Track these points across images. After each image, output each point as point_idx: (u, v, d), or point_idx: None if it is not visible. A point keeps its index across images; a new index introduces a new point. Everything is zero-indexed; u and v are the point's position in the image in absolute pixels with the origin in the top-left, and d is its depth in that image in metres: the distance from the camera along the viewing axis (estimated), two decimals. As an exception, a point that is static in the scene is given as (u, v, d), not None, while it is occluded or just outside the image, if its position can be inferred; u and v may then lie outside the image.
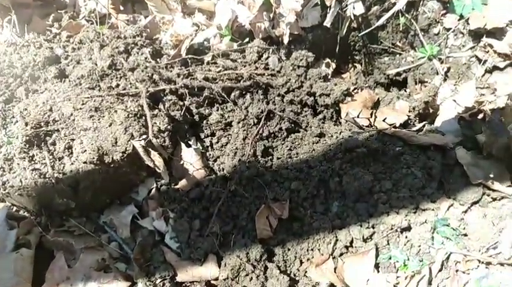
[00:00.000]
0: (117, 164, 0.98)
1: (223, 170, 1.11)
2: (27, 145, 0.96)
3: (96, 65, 1.11)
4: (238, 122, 1.12)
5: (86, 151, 0.94)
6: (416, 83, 1.34)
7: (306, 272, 0.98)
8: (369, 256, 0.95)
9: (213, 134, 1.15)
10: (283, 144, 1.13)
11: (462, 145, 1.06)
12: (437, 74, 1.31)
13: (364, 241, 0.97)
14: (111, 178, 1.01)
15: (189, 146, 1.11)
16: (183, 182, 1.09)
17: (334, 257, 0.98)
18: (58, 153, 0.97)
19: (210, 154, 1.14)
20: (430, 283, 0.91)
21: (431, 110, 1.21)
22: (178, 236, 1.01)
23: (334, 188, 1.03)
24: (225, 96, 1.10)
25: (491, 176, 0.97)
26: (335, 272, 0.96)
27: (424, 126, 1.16)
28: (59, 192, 0.97)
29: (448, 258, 0.92)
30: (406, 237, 0.95)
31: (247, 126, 1.12)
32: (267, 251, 0.99)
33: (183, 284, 0.99)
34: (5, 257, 0.90)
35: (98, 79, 1.08)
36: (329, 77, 1.22)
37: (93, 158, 0.94)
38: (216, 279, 0.97)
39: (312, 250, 0.99)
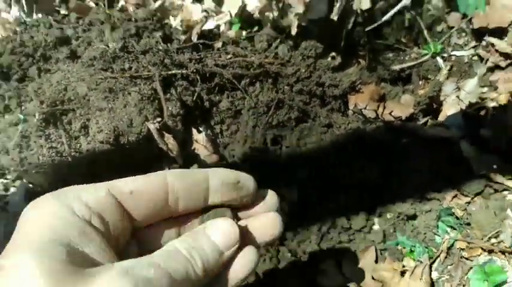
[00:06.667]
0: (132, 145, 0.99)
1: (233, 157, 1.13)
2: (43, 123, 0.96)
3: (108, 46, 1.11)
4: (248, 110, 1.14)
5: (102, 130, 0.95)
6: (420, 79, 1.37)
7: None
8: (369, 252, 0.98)
9: (222, 122, 1.16)
10: (291, 133, 1.15)
11: (465, 138, 1.09)
12: (441, 71, 1.35)
13: (371, 228, 1.00)
14: (125, 160, 1.01)
15: (200, 132, 1.12)
16: (194, 167, 1.10)
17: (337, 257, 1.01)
18: (74, 132, 0.97)
19: (220, 141, 1.16)
20: (435, 269, 0.95)
21: (434, 106, 1.25)
22: (189, 220, 1.02)
23: (342, 179, 1.06)
24: (236, 83, 1.11)
25: (494, 168, 1.01)
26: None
27: (428, 121, 1.19)
28: (74, 171, 0.97)
29: (452, 245, 0.95)
30: (412, 225, 0.99)
31: (257, 115, 1.13)
32: (277, 236, 1.01)
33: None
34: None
35: (111, 61, 1.08)
36: (336, 69, 1.24)
37: (110, 138, 0.94)
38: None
39: (321, 236, 1.02)
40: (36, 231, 0.33)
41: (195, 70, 1.11)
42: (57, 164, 0.94)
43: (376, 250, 0.97)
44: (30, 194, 0.98)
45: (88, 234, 0.35)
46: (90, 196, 0.39)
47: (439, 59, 1.37)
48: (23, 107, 1.01)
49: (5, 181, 1.04)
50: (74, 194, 0.38)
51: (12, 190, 1.04)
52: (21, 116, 0.98)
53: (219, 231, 0.42)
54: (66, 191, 0.39)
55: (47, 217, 0.35)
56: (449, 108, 1.19)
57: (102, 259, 0.34)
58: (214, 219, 0.44)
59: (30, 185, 1.00)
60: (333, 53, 1.43)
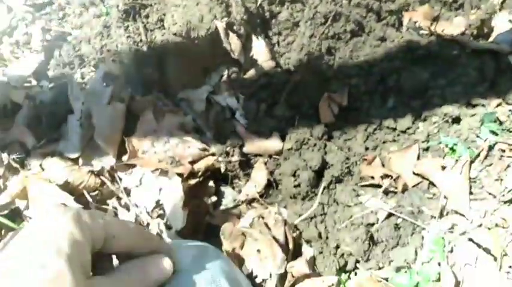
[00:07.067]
0: (201, 41, 1.09)
1: (288, 64, 1.21)
2: (124, 15, 1.07)
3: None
4: (306, 21, 1.21)
5: (176, 23, 1.05)
6: (472, 8, 1.39)
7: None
8: (413, 149, 1.05)
9: (279, 33, 1.25)
10: (346, 46, 1.22)
11: (515, 54, 1.13)
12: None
13: (415, 130, 1.07)
14: (192, 58, 1.12)
15: (259, 39, 1.21)
16: (251, 72, 1.20)
17: (380, 154, 1.09)
18: (150, 25, 1.08)
19: (276, 50, 1.24)
20: (475, 169, 1.01)
21: (485, 30, 1.28)
22: (246, 114, 1.13)
23: (392, 85, 1.13)
24: (297, -7, 1.19)
25: (542, 79, 1.05)
26: (383, 166, 1.07)
27: (478, 41, 1.23)
28: (147, 61, 1.08)
29: (493, 147, 1.01)
30: (456, 127, 1.05)
31: (314, 26, 1.20)
32: (327, 133, 1.10)
33: (248, 155, 1.11)
34: (102, 108, 1.03)
35: (184, -33, 1.17)
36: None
37: (183, 30, 1.04)
38: (278, 154, 1.09)
39: (367, 135, 1.10)
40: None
41: (259, -22, 1.18)
42: (133, 53, 1.06)
43: (419, 148, 1.05)
44: (107, 79, 1.09)
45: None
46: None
47: (494, -11, 1.39)
48: (105, 2, 1.12)
49: (83, 69, 1.17)
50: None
51: (87, 77, 1.16)
52: (104, 9, 1.09)
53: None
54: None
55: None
56: (501, 29, 1.22)
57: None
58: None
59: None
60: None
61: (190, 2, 1.08)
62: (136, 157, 1.01)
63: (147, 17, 1.08)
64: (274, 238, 0.91)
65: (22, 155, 1.01)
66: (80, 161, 1.02)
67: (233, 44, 1.11)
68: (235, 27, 1.12)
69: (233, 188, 1.11)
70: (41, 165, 1.02)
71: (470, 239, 0.90)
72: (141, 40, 1.05)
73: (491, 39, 1.25)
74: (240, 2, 1.16)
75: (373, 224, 0.94)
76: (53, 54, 1.15)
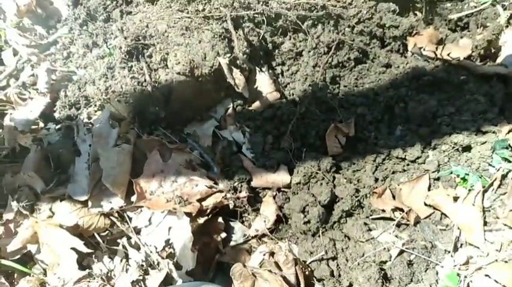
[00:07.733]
0: (204, 78, 1.09)
1: (293, 95, 1.20)
2: (127, 56, 1.07)
3: (183, -9, 1.21)
4: (309, 51, 1.21)
5: (179, 62, 1.05)
6: (478, 27, 1.38)
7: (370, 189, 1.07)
8: (423, 180, 1.03)
9: (283, 63, 1.24)
10: (350, 73, 1.21)
11: (524, 77, 1.11)
12: (501, 16, 1.35)
13: (425, 159, 1.06)
14: (197, 93, 1.12)
15: (262, 71, 1.21)
16: (256, 104, 1.19)
17: (390, 185, 1.07)
18: (154, 65, 1.08)
19: (281, 80, 1.24)
20: (488, 198, 0.99)
21: (493, 50, 1.26)
22: (253, 148, 1.12)
23: (399, 113, 1.11)
24: (300, 23, 1.18)
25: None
26: (394, 199, 1.05)
27: (486, 63, 1.22)
28: (153, 100, 1.08)
29: (506, 175, 0.99)
30: (467, 156, 1.03)
31: (317, 55, 1.20)
32: (335, 165, 1.09)
33: (256, 189, 1.10)
34: (109, 150, 1.03)
35: (186, 3, 1.18)
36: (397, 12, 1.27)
37: (186, 69, 1.04)
38: (287, 187, 1.08)
39: (376, 166, 1.08)
40: None
41: (262, 11, 1.18)
42: (138, 93, 1.06)
43: (429, 178, 1.03)
44: (113, 119, 1.10)
45: None
46: None
47: (499, 7, 1.37)
48: (108, 43, 1.13)
49: (89, 109, 1.17)
50: None
51: (93, 118, 1.17)
52: (108, 50, 1.10)
53: None
54: None
55: None
56: (509, 50, 1.20)
57: None
58: None
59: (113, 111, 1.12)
60: (392, 5, 1.46)
61: (192, 40, 1.08)
62: (144, 199, 1.00)
63: (150, 56, 1.08)
64: (284, 278, 0.90)
65: (32, 200, 1.01)
66: (89, 203, 1.02)
67: (237, 78, 1.11)
68: (238, 62, 1.12)
69: (242, 222, 1.10)
70: (50, 209, 1.02)
71: (487, 275, 0.88)
72: (145, 80, 1.05)
73: (499, 59, 1.24)
74: (243, 36, 1.16)
75: (385, 262, 0.92)
76: (58, 95, 1.16)
